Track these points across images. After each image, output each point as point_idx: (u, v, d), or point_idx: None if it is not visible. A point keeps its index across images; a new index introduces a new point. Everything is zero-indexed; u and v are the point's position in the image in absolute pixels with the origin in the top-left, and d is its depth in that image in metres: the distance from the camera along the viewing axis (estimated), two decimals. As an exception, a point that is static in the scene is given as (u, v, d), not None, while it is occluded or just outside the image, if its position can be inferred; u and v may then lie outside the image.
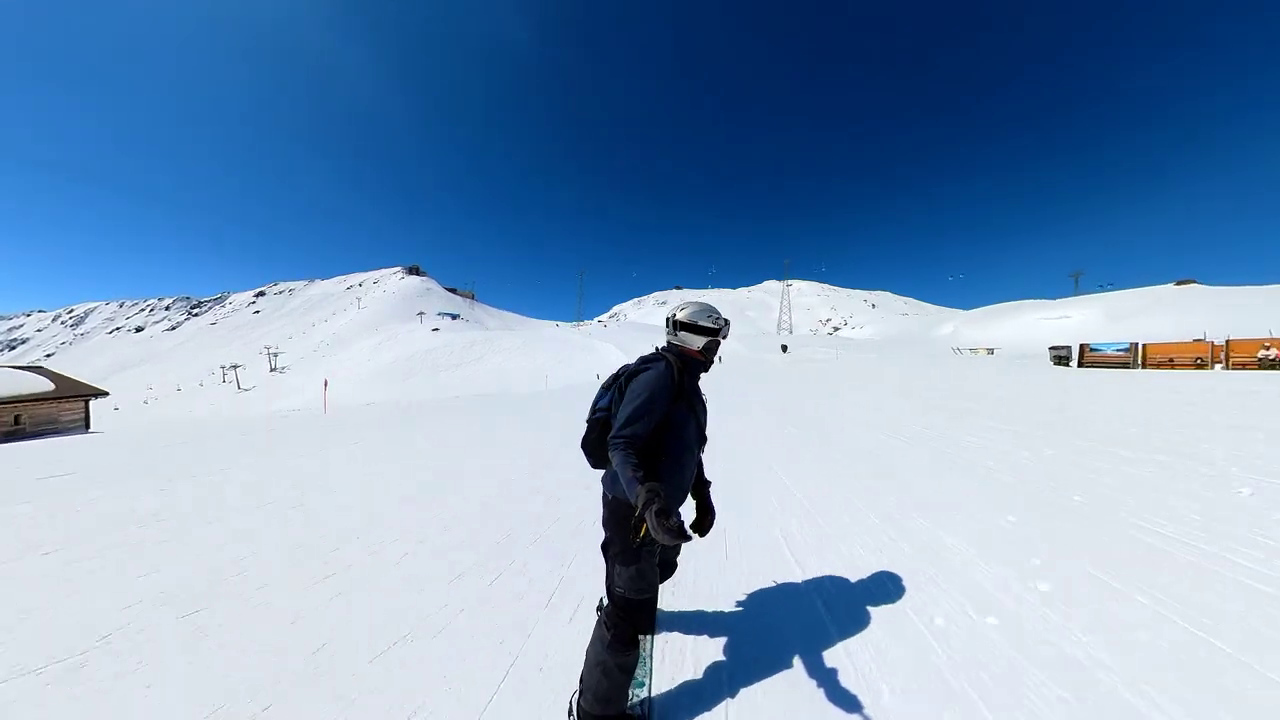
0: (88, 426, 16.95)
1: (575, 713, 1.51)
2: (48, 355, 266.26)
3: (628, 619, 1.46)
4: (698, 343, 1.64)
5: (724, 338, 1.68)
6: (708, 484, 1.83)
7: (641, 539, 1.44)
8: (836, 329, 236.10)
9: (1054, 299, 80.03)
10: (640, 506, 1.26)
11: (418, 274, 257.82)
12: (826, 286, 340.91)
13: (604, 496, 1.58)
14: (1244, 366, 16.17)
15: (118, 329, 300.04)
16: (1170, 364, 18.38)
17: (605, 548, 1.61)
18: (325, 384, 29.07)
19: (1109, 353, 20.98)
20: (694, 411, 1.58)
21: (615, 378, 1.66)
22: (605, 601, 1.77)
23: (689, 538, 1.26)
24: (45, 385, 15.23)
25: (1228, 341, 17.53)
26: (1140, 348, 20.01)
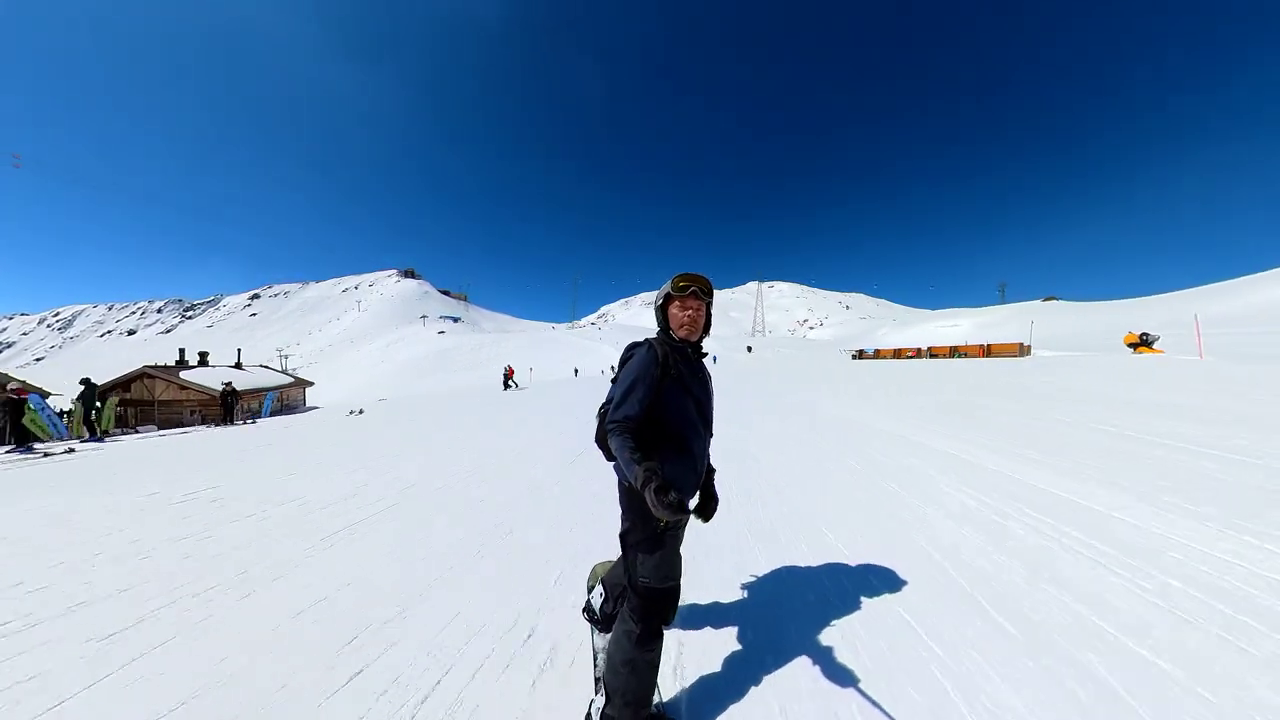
0: (305, 404, 28.23)
1: None
2: (37, 359, 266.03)
3: (654, 610, 1.41)
4: (672, 313, 1.59)
5: (697, 295, 1.56)
6: (712, 471, 1.75)
7: (665, 524, 1.40)
8: (812, 329, 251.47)
9: (981, 306, 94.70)
10: (639, 485, 1.27)
11: (413, 277, 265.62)
12: (805, 288, 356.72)
13: (620, 484, 1.52)
14: (910, 356, 31.85)
15: (109, 332, 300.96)
16: (886, 355, 36.01)
17: (624, 537, 1.52)
18: (531, 370, 40.10)
19: (868, 352, 36.59)
20: (689, 390, 1.53)
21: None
22: (594, 600, 1.85)
23: (688, 512, 1.27)
24: (287, 380, 26.41)
25: (901, 349, 36.30)
26: (875, 350, 39.06)
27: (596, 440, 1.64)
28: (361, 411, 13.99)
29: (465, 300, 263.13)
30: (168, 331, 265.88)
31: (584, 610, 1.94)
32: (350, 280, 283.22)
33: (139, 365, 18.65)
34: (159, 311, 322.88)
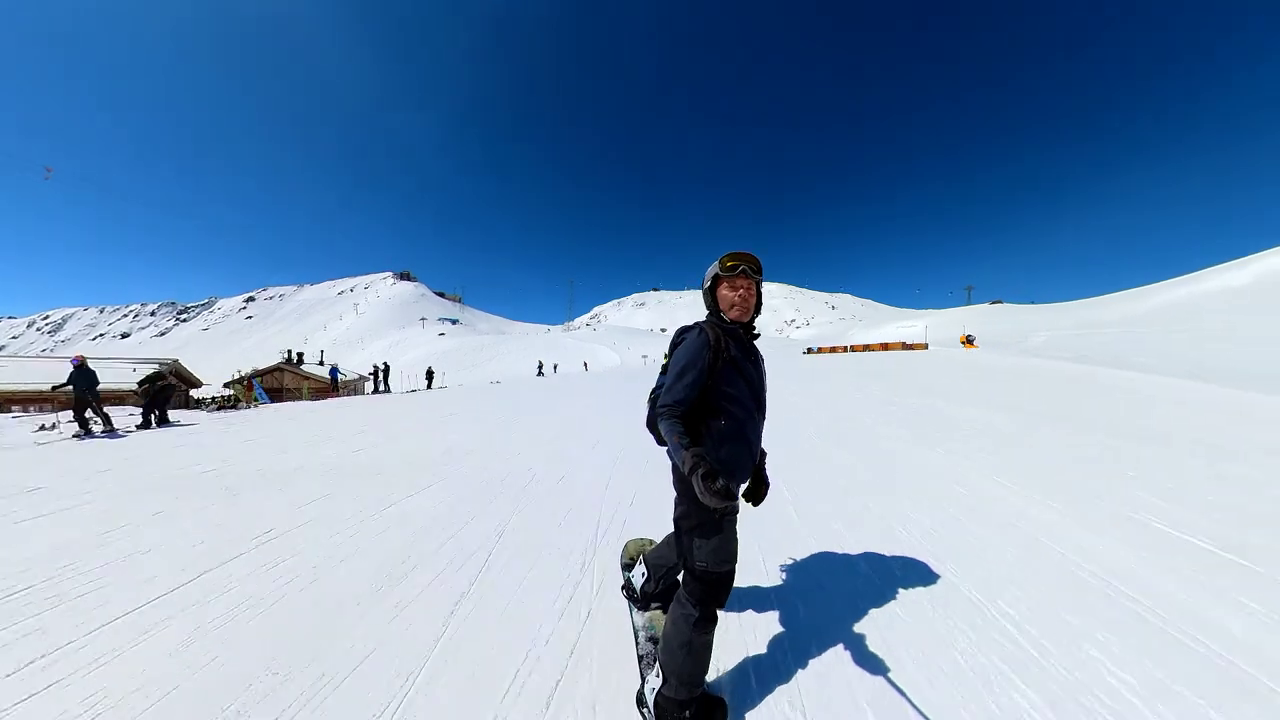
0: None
1: (654, 704, 1.44)
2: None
3: (712, 594, 1.41)
4: (721, 294, 1.55)
5: (747, 274, 1.52)
6: (763, 454, 1.72)
7: (724, 508, 1.37)
8: (798, 329, 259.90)
9: (945, 308, 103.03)
10: (687, 470, 1.28)
11: (409, 279, 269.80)
12: (794, 289, 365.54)
13: (674, 469, 1.49)
14: (842, 352, 38.32)
15: (101, 335, 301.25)
16: (825, 351, 42.28)
17: (679, 522, 1.50)
18: (555, 366, 44.67)
19: (814, 349, 43.01)
20: (741, 373, 1.50)
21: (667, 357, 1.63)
22: (634, 579, 1.87)
23: (734, 498, 1.27)
24: (356, 374, 33.07)
25: (836, 346, 40.97)
26: (817, 347, 43.25)
27: (648, 424, 1.61)
28: (499, 382, 20.61)
29: (460, 302, 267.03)
30: (162, 334, 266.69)
31: (623, 588, 2.01)
32: (346, 283, 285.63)
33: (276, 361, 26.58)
34: (152, 315, 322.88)
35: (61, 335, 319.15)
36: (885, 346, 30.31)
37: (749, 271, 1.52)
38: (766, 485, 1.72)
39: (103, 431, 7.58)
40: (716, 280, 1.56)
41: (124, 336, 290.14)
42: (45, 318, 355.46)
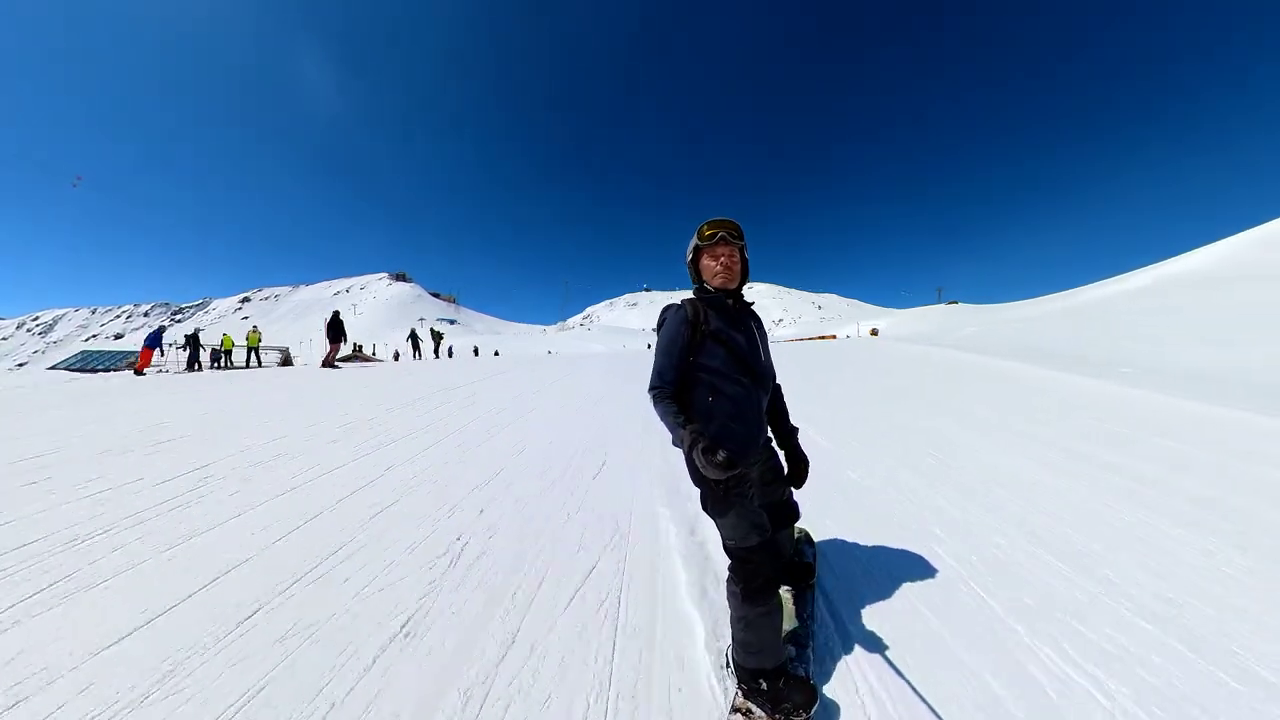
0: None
1: (731, 665, 1.46)
2: (19, 365, 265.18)
3: (747, 569, 1.39)
4: (704, 265, 1.54)
5: (727, 240, 1.49)
6: (794, 431, 1.71)
7: (728, 485, 1.38)
8: (785, 328, 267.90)
9: (911, 308, 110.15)
10: (686, 448, 1.30)
11: (404, 280, 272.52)
12: (782, 289, 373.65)
13: (685, 456, 1.45)
14: (798, 341, 44.31)
15: (94, 336, 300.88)
16: (786, 343, 47.49)
17: (703, 507, 1.50)
18: (548, 352, 51.96)
19: (779, 341, 49.59)
20: (727, 343, 1.46)
21: None
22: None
23: (736, 468, 1.28)
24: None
25: (792, 339, 47.84)
26: (785, 340, 49.01)
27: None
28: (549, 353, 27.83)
29: (455, 303, 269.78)
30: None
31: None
32: (342, 283, 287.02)
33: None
34: (145, 315, 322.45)
35: (53, 336, 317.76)
36: (822, 338, 37.71)
37: (729, 238, 1.51)
38: (805, 463, 1.68)
39: (416, 357, 17.50)
40: (698, 251, 1.56)
41: (117, 337, 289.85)
42: (35, 319, 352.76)
